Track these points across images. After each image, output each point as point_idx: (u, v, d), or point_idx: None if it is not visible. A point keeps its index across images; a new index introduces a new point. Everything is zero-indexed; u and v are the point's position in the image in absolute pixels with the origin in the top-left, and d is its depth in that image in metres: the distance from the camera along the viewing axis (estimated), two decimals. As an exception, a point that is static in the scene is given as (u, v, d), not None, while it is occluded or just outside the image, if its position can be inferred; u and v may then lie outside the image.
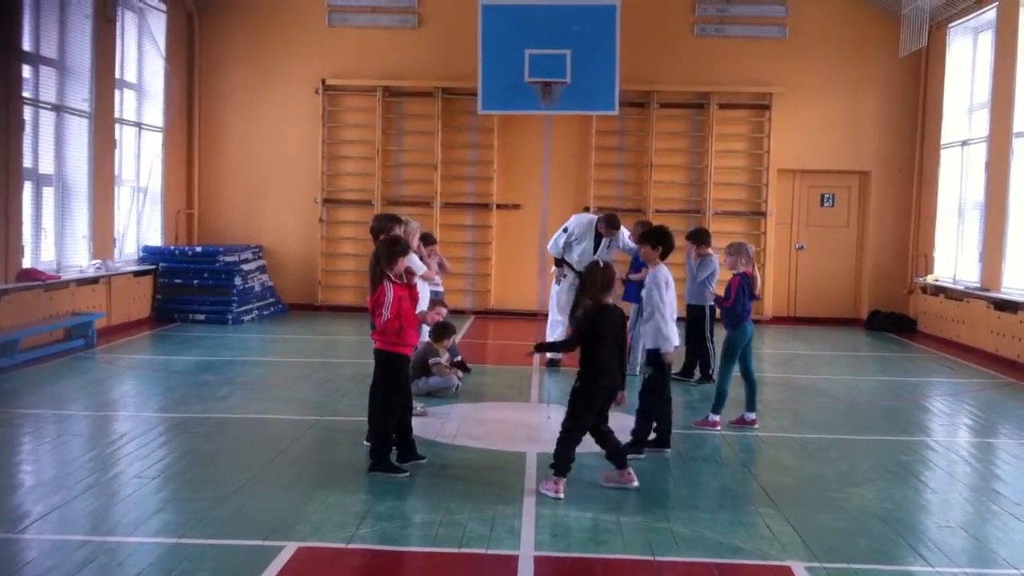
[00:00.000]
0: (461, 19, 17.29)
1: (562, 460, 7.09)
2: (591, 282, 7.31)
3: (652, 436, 8.38)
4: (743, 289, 9.31)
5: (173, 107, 17.34)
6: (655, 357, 8.35)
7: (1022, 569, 5.87)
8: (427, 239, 10.90)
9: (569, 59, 16.06)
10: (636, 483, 7.23)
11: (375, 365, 7.70)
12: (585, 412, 7.18)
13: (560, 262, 12.66)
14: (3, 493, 6.91)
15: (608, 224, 12.36)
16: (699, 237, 11.77)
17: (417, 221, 9.94)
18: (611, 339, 7.21)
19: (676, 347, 8.43)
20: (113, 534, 6.09)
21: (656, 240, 8.52)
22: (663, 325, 8.25)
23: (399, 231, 8.46)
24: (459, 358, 11.74)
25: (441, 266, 11.40)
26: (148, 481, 7.23)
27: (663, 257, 8.52)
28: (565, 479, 7.06)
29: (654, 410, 8.34)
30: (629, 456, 7.70)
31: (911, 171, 17.93)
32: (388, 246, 7.65)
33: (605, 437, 7.31)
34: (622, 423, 8.19)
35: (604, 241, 12.39)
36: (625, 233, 12.47)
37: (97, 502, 6.73)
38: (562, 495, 6.95)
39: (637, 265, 11.87)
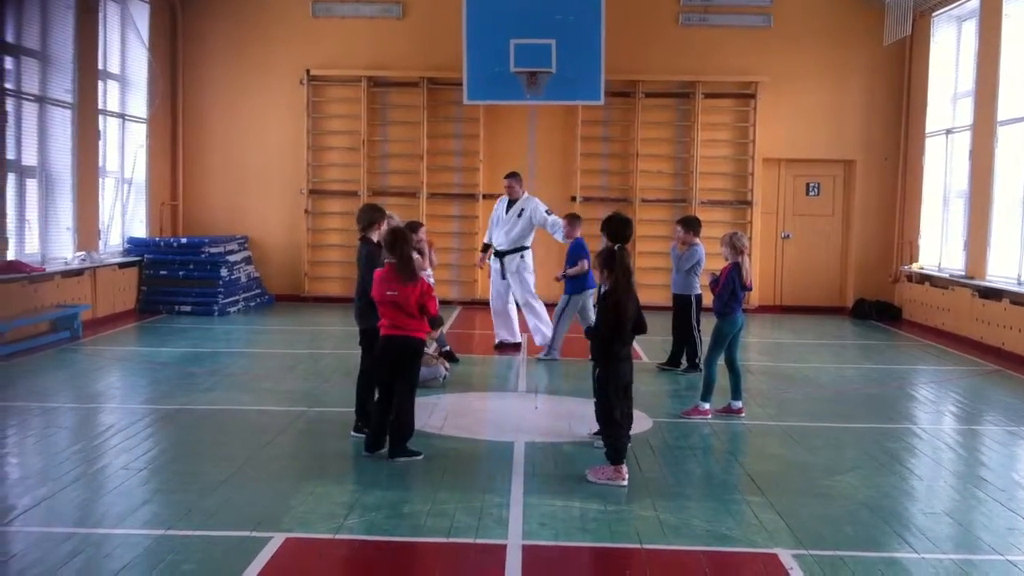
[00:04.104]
0: (445, 9, 17.23)
1: (616, 451, 7.17)
2: (623, 265, 7.28)
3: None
4: (732, 279, 9.33)
5: (157, 98, 17.24)
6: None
7: (1007, 555, 5.92)
8: (413, 226, 10.89)
9: (554, 49, 16.01)
10: (625, 483, 7.11)
11: (402, 355, 7.68)
12: (616, 394, 7.21)
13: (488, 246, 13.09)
14: (-11, 486, 6.89)
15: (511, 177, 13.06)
16: (689, 223, 11.78)
17: (399, 216, 9.94)
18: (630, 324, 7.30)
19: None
20: (100, 526, 6.08)
21: (603, 228, 8.39)
22: None
23: (383, 225, 8.45)
24: (447, 348, 11.75)
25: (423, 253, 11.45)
26: (135, 473, 7.21)
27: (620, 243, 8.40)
28: (624, 464, 7.15)
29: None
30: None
31: (896, 160, 17.98)
32: (405, 239, 7.74)
33: (611, 428, 7.27)
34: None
35: (515, 208, 12.84)
36: (542, 207, 12.76)
37: (83, 494, 6.71)
38: (626, 481, 7.05)
39: (573, 259, 11.97)
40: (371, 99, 18.06)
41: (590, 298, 11.85)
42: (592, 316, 11.92)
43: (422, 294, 7.64)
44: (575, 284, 12.05)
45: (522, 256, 12.81)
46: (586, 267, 11.85)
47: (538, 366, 11.95)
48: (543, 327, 12.64)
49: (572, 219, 12.43)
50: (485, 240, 13.37)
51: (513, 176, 13.14)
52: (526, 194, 13.03)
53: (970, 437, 9.15)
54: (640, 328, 7.40)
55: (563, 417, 9.21)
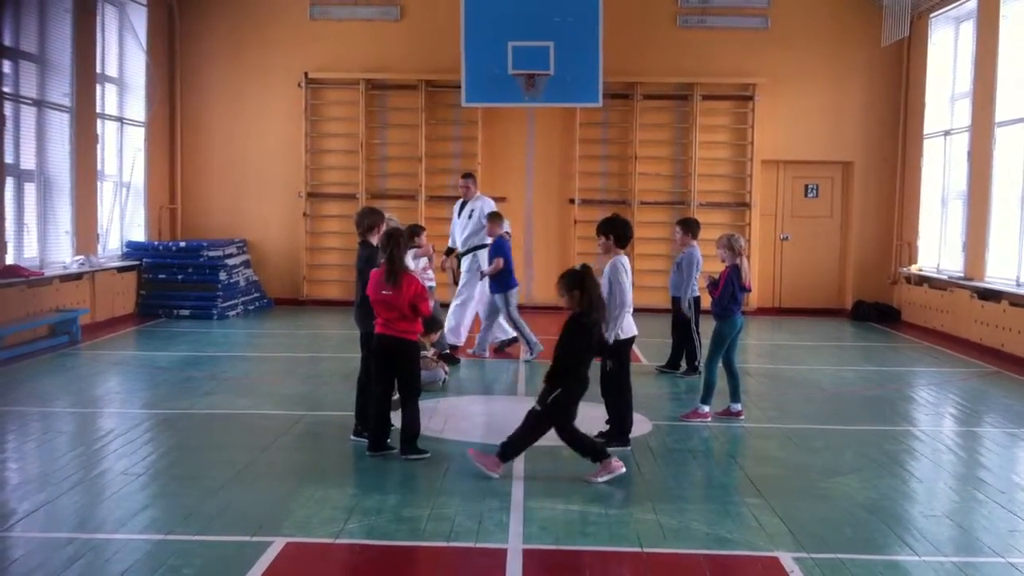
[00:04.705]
0: (444, 11, 17.22)
1: (593, 452, 7.23)
2: (594, 285, 7.28)
3: (606, 429, 8.37)
4: (732, 281, 9.32)
5: (155, 101, 17.23)
6: (614, 349, 8.25)
7: (1007, 557, 5.91)
8: (415, 230, 10.90)
9: (552, 51, 16.03)
10: (623, 468, 7.24)
11: (401, 356, 7.72)
12: (566, 418, 7.24)
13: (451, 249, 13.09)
14: (-12, 491, 6.88)
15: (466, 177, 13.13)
16: (688, 225, 11.76)
17: (397, 218, 9.94)
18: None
19: (635, 335, 8.39)
20: (100, 531, 6.07)
21: (609, 229, 8.45)
22: (623, 315, 8.21)
23: (383, 228, 8.47)
24: (446, 351, 11.74)
25: (430, 257, 11.48)
26: (134, 478, 7.20)
27: (622, 245, 8.43)
28: (609, 457, 7.22)
29: (616, 403, 8.30)
30: (614, 448, 7.73)
31: (894, 161, 17.98)
32: (397, 241, 7.76)
33: (575, 438, 7.29)
34: (592, 414, 8.20)
35: (467, 209, 12.86)
36: (489, 206, 12.77)
37: (83, 499, 6.71)
38: (622, 467, 7.16)
39: (492, 256, 12.00)
40: (369, 102, 18.06)
41: (514, 296, 12.11)
42: (515, 314, 12.21)
43: (415, 295, 7.66)
44: (498, 283, 12.11)
45: (475, 256, 12.79)
46: (501, 265, 11.97)
47: (536, 369, 11.92)
48: (460, 329, 12.63)
49: (494, 218, 12.45)
50: (449, 244, 13.26)
51: (467, 177, 13.22)
52: (478, 194, 13.03)
53: (970, 439, 9.15)
54: (601, 348, 7.46)
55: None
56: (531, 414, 7.26)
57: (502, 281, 12.10)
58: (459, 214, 13.00)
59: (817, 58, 17.96)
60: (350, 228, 8.95)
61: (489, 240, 12.45)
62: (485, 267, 12.45)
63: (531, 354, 12.29)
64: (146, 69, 16.93)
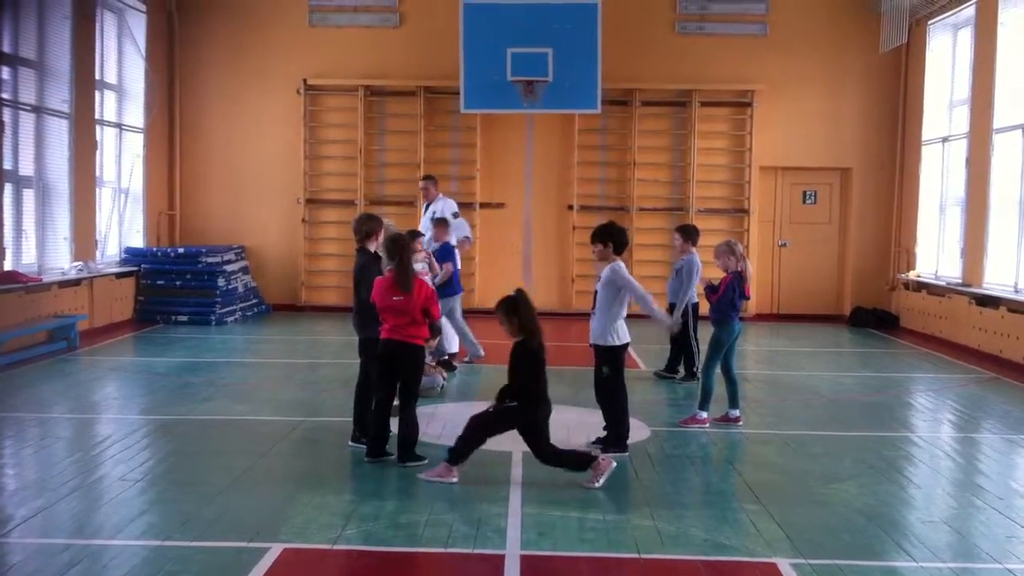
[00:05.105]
0: (443, 18, 17.25)
1: (577, 462, 7.25)
2: (528, 310, 7.28)
3: (603, 435, 8.37)
4: (733, 288, 9.32)
5: (154, 108, 17.24)
6: (610, 355, 8.26)
7: (1005, 563, 5.91)
8: (413, 235, 10.90)
9: (551, 57, 16.07)
10: (614, 463, 7.31)
11: (408, 361, 7.72)
12: (540, 442, 7.26)
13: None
14: (-15, 497, 6.87)
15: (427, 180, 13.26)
16: (687, 232, 11.76)
17: (394, 223, 9.94)
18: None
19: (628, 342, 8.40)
20: (97, 537, 6.07)
21: (607, 236, 8.45)
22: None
23: (380, 235, 8.49)
24: (444, 357, 11.74)
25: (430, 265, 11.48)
26: (132, 483, 7.20)
27: (619, 252, 8.43)
28: (598, 458, 7.26)
29: (613, 410, 8.30)
30: (613, 453, 7.74)
31: (892, 167, 18.00)
32: (405, 246, 7.79)
33: (559, 458, 7.31)
34: (588, 420, 8.20)
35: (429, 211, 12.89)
36: (451, 208, 12.81)
37: (81, 505, 6.70)
38: (614, 463, 7.24)
39: (439, 262, 12.05)
40: (368, 108, 18.07)
41: (457, 302, 12.17)
42: (460, 319, 12.25)
43: (427, 299, 7.71)
44: (444, 288, 12.12)
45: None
46: (451, 270, 12.01)
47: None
48: (453, 335, 12.64)
49: (439, 223, 12.48)
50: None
51: (427, 179, 13.34)
52: (440, 196, 13.04)
53: (968, 445, 9.15)
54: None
55: (561, 426, 9.16)
56: (478, 417, 7.38)
57: (448, 287, 12.11)
58: (422, 217, 13.13)
59: (815, 65, 17.99)
60: (348, 234, 8.97)
61: (450, 244, 12.57)
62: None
63: (467, 359, 12.47)
64: (145, 75, 16.95)
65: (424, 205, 13.29)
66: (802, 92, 17.96)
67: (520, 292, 7.39)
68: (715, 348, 9.38)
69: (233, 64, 18.13)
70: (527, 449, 7.88)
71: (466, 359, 12.49)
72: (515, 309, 7.24)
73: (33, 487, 7.10)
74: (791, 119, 17.96)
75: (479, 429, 7.38)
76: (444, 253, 12.13)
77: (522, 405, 7.22)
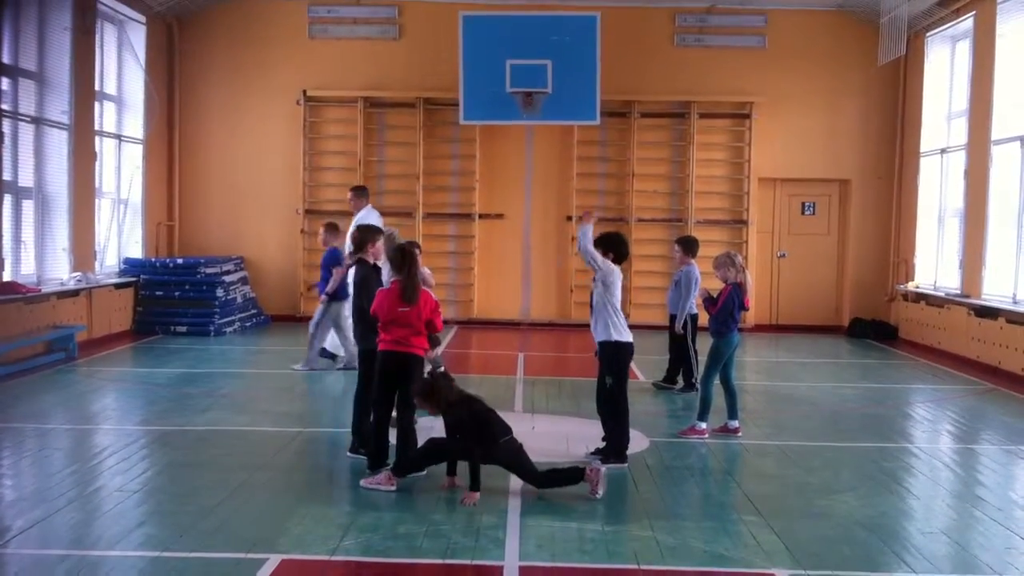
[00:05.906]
0: (442, 30, 17.30)
1: (566, 478, 7.26)
2: (447, 388, 7.35)
3: (602, 446, 8.37)
4: (732, 299, 9.32)
5: (153, 119, 17.26)
6: (615, 356, 8.27)
7: (1004, 574, 5.91)
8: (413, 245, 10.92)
9: (550, 69, 16.12)
10: (603, 468, 7.34)
11: (409, 372, 7.67)
12: (523, 468, 7.30)
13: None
14: (-17, 508, 6.86)
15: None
16: (687, 244, 11.79)
17: (398, 231, 9.94)
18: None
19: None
20: (95, 548, 6.05)
21: (609, 246, 8.47)
22: (620, 323, 8.25)
23: (381, 242, 8.50)
24: (442, 368, 11.71)
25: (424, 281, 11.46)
26: (130, 494, 7.19)
27: (619, 262, 8.45)
28: (586, 468, 7.29)
29: (614, 421, 8.29)
30: (611, 466, 7.74)
31: (891, 179, 18.03)
32: (412, 258, 7.77)
33: (551, 477, 7.32)
34: (587, 432, 8.20)
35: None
36: (373, 217, 12.56)
37: (79, 516, 6.68)
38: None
39: (328, 268, 12.24)
40: (367, 119, 18.10)
41: (345, 308, 11.99)
42: (348, 326, 11.85)
43: (432, 310, 7.71)
44: (339, 293, 12.20)
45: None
46: (341, 275, 11.98)
47: (533, 386, 11.92)
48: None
49: (330, 228, 12.58)
50: None
51: (353, 190, 13.26)
52: (368, 207, 12.94)
53: (967, 456, 9.14)
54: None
55: (560, 437, 9.19)
56: (437, 442, 7.48)
57: (337, 291, 12.19)
58: None
59: (814, 77, 18.02)
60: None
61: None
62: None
63: (302, 366, 12.60)
64: (145, 86, 16.97)
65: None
66: (801, 104, 18.00)
67: (434, 375, 7.62)
68: (714, 359, 9.38)
69: (233, 75, 18.16)
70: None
71: (299, 367, 12.65)
72: (431, 391, 7.32)
73: (31, 498, 7.09)
74: (790, 131, 17.99)
75: (433, 454, 7.45)
76: (332, 258, 12.29)
77: (479, 454, 7.22)
